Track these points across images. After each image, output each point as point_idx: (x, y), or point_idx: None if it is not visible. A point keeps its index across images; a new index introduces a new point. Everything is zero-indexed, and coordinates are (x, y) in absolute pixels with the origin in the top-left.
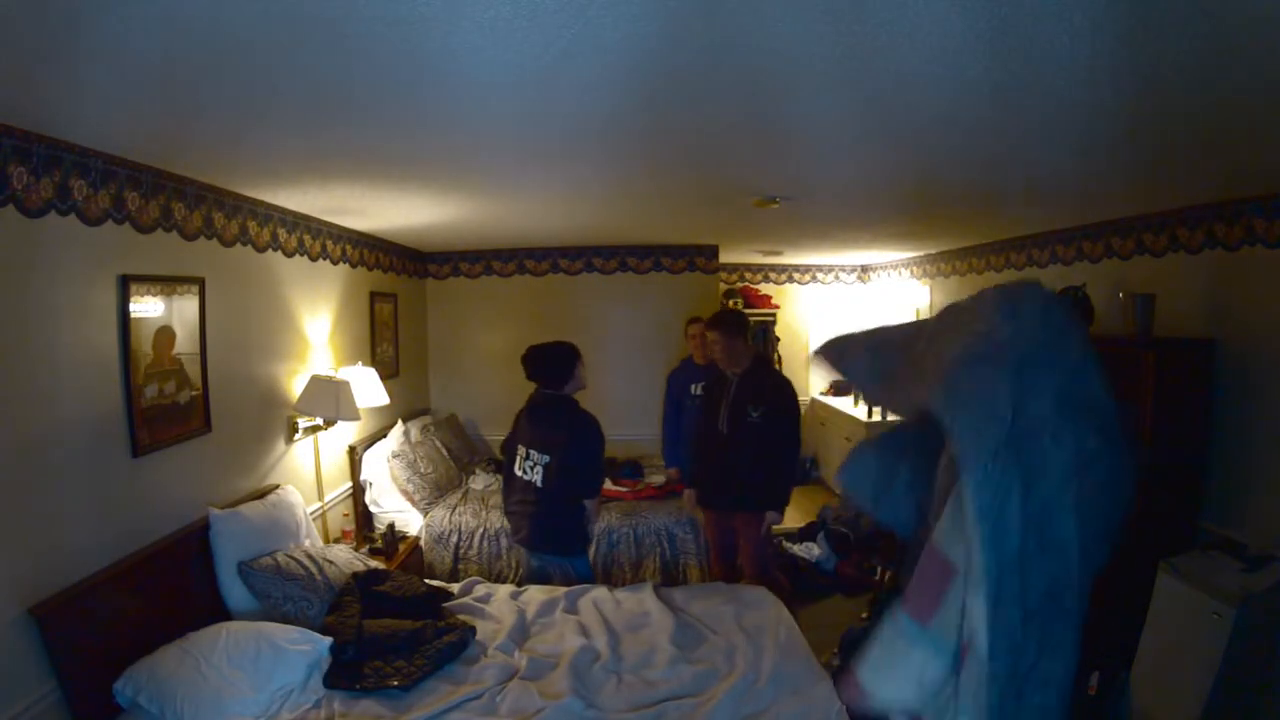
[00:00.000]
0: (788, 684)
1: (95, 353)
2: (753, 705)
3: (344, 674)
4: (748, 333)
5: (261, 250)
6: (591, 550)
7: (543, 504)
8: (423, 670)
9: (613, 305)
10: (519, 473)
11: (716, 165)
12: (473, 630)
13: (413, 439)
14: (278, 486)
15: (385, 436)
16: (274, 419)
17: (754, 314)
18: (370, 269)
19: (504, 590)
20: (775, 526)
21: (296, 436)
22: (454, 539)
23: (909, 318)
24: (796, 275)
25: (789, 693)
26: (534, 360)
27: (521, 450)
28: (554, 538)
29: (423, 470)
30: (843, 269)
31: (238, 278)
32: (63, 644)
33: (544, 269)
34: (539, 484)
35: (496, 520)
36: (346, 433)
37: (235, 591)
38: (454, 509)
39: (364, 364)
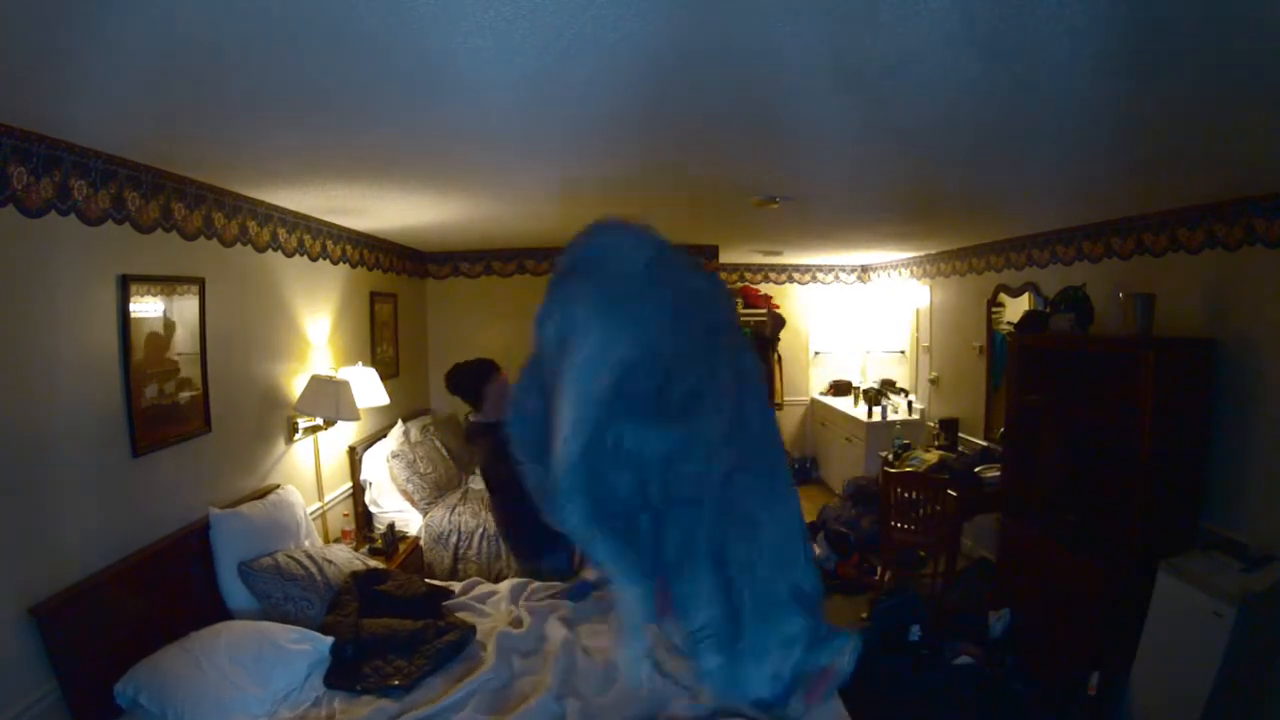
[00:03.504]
0: None
1: (95, 353)
2: None
3: (344, 674)
4: None
5: (261, 250)
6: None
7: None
8: (423, 670)
9: None
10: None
11: (716, 165)
12: (473, 630)
13: (412, 439)
14: (278, 486)
15: (385, 436)
16: (274, 419)
17: (753, 314)
18: (370, 269)
19: (504, 589)
20: None
21: (296, 436)
22: (453, 539)
23: (908, 319)
24: (796, 275)
25: None
26: (448, 380)
27: None
28: (515, 549)
29: (422, 470)
30: (843, 269)
31: (238, 278)
32: (63, 644)
33: (544, 269)
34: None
35: None
36: (346, 433)
37: (235, 591)
38: (453, 509)
39: (364, 364)
